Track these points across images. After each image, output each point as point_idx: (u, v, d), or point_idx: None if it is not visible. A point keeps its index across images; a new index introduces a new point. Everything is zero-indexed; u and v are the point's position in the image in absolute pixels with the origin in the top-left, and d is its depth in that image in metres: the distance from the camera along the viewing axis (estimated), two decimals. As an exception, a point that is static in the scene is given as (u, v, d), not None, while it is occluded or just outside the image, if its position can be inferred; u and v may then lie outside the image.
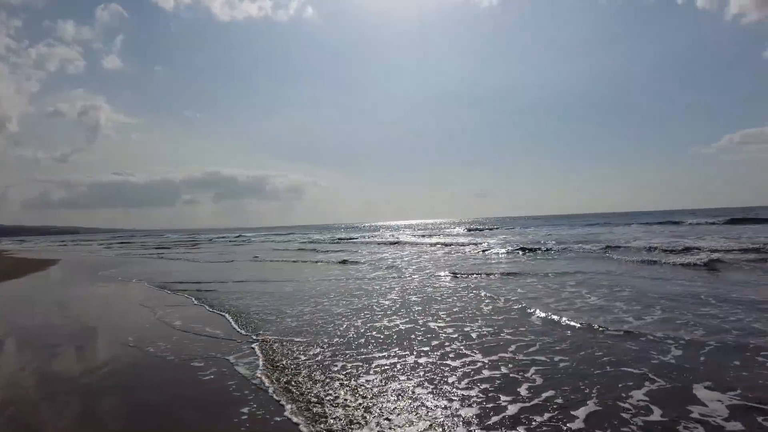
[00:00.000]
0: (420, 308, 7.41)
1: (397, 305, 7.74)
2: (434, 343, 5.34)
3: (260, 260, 20.07)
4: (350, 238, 37.95)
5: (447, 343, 5.29)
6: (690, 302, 7.04)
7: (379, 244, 29.07)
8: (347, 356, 4.93)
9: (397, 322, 6.49)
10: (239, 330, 6.37)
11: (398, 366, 4.55)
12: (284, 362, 4.80)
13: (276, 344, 5.53)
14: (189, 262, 20.56)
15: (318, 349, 5.23)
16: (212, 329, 6.50)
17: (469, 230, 46.42)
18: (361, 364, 4.67)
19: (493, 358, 4.70)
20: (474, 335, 5.61)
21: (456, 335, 5.63)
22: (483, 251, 18.55)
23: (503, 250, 18.06)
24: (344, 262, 16.76)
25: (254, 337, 5.89)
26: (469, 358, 4.71)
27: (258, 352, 5.23)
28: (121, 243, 56.19)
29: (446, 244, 23.49)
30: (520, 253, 17.01)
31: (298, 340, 5.70)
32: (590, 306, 7.11)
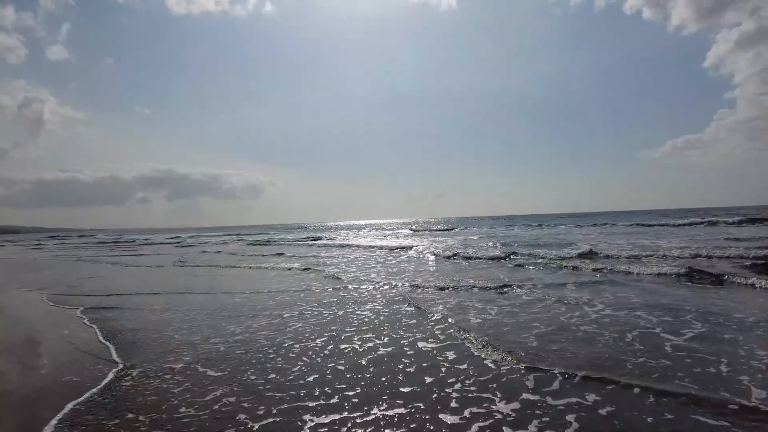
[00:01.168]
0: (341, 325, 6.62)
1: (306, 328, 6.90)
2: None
3: (187, 265, 18.63)
4: (294, 240, 36.74)
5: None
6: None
7: (327, 246, 28.15)
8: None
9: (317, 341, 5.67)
10: (117, 359, 5.34)
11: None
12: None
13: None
14: (113, 266, 18.80)
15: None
16: (83, 360, 5.40)
17: (414, 230, 46.55)
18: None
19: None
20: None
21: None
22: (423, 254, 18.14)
23: (447, 253, 17.72)
24: (291, 269, 15.73)
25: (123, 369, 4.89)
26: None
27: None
28: (60, 243, 52.51)
29: (393, 248, 22.89)
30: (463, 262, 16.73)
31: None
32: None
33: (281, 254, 22.01)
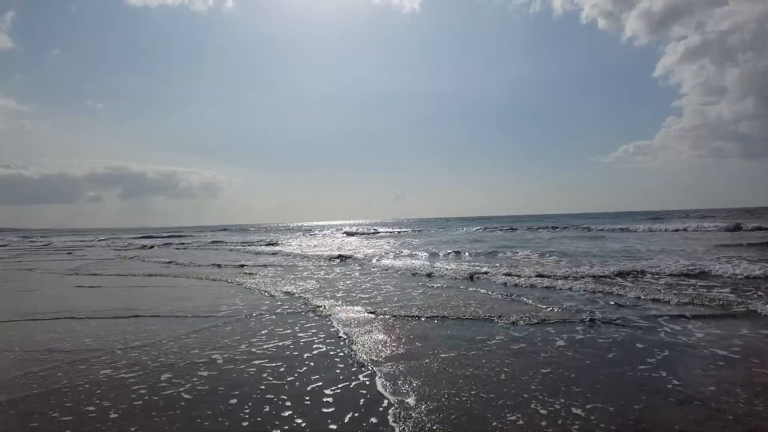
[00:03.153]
0: None
1: None
2: None
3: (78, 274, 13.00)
4: (245, 242, 30.89)
5: None
6: None
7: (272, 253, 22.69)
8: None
9: None
10: None
11: None
12: None
13: None
14: None
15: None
16: None
17: (350, 234, 41.72)
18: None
19: None
20: None
21: None
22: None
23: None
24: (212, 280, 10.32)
25: None
26: None
27: None
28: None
29: (332, 258, 17.82)
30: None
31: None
32: None
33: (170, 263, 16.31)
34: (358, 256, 15.78)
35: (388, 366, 4.03)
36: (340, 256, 15.68)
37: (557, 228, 33.23)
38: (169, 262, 16.31)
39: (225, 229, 74.70)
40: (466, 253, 15.85)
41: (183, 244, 31.19)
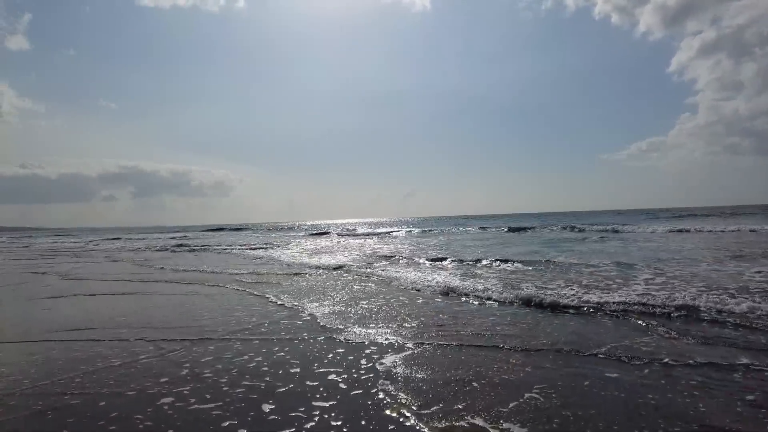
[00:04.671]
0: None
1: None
2: None
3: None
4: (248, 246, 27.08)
5: None
6: None
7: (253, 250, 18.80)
8: None
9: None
10: None
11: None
12: None
13: None
14: None
15: None
16: None
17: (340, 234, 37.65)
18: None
19: None
20: None
21: None
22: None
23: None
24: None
25: None
26: None
27: None
28: None
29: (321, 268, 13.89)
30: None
31: None
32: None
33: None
34: (376, 268, 11.70)
35: None
36: (338, 268, 11.68)
37: (581, 229, 28.68)
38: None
39: (240, 229, 71.15)
40: (511, 264, 11.64)
41: (204, 246, 26.12)
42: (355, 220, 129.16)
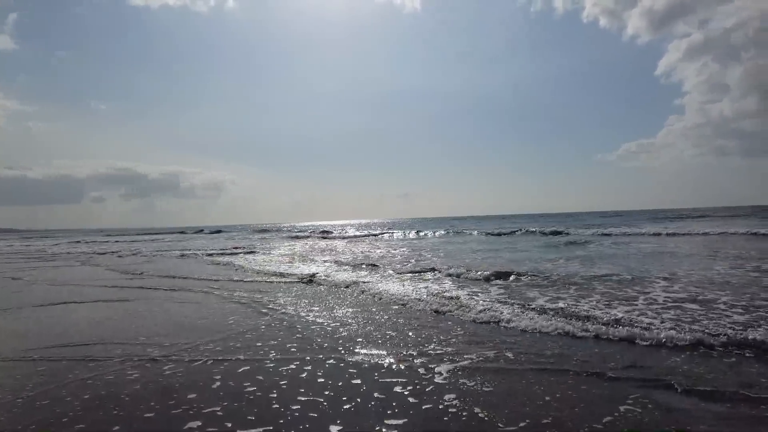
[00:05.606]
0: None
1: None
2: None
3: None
4: (221, 251, 25.75)
5: None
6: None
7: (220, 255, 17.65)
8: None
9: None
10: None
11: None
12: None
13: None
14: None
15: None
16: None
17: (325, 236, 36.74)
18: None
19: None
20: None
21: None
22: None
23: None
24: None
25: None
26: None
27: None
28: None
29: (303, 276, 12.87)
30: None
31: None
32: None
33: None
34: (363, 275, 10.72)
35: None
36: (311, 279, 10.63)
37: (566, 233, 28.04)
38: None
39: (221, 231, 69.42)
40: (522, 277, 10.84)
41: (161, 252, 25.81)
42: (355, 221, 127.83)
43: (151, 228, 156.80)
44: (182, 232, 69.27)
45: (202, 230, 76.32)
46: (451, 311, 6.48)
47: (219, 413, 3.26)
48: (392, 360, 4.37)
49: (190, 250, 23.58)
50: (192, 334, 5.58)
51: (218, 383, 3.88)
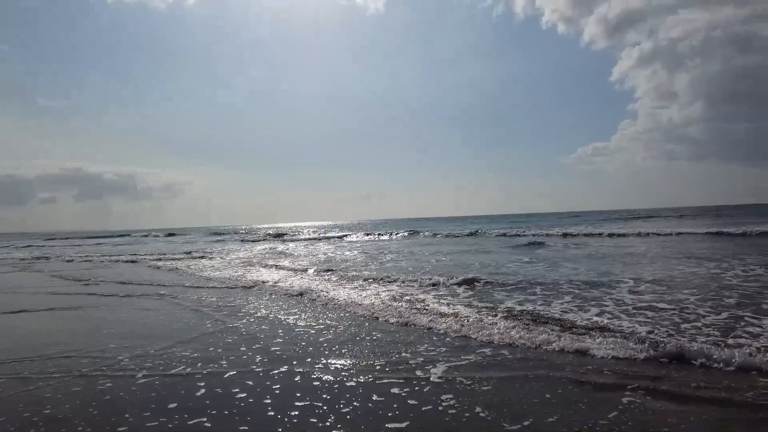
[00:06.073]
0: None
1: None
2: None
3: None
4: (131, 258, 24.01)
5: None
6: None
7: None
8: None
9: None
10: None
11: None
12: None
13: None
14: None
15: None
16: None
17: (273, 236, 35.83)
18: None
19: None
20: None
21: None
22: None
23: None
24: None
25: None
26: None
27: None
28: None
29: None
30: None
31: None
32: None
33: None
34: (308, 282, 10.01)
35: None
36: (254, 286, 9.83)
37: (536, 235, 28.43)
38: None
39: (173, 234, 65.99)
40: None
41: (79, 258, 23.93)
42: (317, 223, 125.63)
43: (104, 231, 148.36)
44: (128, 235, 65.52)
45: (156, 233, 72.50)
46: (414, 321, 5.93)
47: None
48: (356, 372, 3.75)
49: (141, 254, 22.15)
50: (160, 341, 5.22)
51: (203, 390, 3.64)
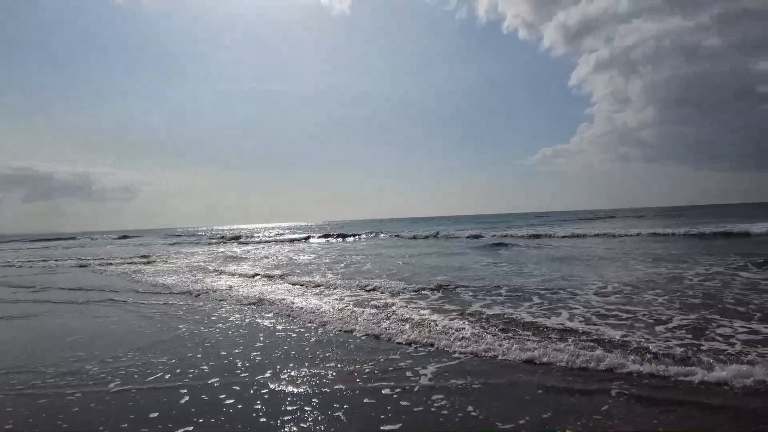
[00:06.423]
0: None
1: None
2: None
3: None
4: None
5: None
6: None
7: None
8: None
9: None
10: None
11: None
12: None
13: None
14: None
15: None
16: None
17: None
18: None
19: None
20: None
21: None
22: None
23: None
24: None
25: None
26: None
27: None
28: None
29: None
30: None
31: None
32: None
33: None
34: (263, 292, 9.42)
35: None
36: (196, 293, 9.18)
37: (504, 236, 28.67)
38: None
39: (125, 236, 62.59)
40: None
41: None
42: (278, 225, 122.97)
43: (55, 233, 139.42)
44: (77, 238, 61.71)
45: (110, 236, 68.62)
46: (381, 329, 5.51)
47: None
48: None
49: (90, 258, 20.66)
50: (128, 349, 4.93)
51: (187, 398, 3.46)
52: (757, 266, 8.90)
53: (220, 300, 8.04)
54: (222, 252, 22.47)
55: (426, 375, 3.77)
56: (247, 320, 6.24)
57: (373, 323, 5.59)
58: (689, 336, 4.55)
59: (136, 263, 17.06)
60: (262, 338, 5.21)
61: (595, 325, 5.13)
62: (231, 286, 9.44)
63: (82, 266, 16.64)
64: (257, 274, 11.43)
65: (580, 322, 5.31)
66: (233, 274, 11.95)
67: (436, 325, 5.32)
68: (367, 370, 3.94)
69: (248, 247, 26.07)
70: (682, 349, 4.04)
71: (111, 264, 16.95)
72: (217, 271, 13.04)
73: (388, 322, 5.62)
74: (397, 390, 3.46)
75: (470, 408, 3.09)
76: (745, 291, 6.69)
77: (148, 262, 17.31)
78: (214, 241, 38.08)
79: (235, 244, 32.58)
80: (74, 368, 4.28)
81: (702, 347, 4.17)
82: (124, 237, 60.90)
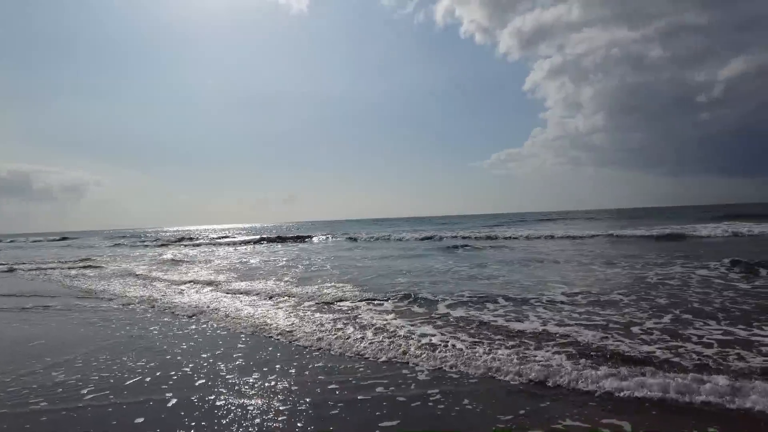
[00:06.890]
0: None
1: None
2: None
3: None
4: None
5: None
6: None
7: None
8: None
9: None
10: None
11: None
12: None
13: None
14: None
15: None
16: None
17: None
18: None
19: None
20: None
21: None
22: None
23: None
24: None
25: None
26: None
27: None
28: None
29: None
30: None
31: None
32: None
33: None
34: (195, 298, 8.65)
35: None
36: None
37: (464, 237, 28.76)
38: None
39: (64, 238, 57.98)
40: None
41: None
42: (235, 226, 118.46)
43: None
44: (12, 241, 56.61)
45: (53, 237, 63.39)
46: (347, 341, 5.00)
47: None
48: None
49: (22, 262, 18.79)
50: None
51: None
52: (711, 268, 9.14)
53: (149, 307, 7.20)
54: (175, 254, 21.03)
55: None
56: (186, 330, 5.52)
57: (336, 329, 5.06)
58: (666, 337, 4.37)
59: (76, 266, 15.55)
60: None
61: (569, 326, 4.87)
62: (175, 292, 8.55)
63: (10, 270, 14.95)
64: (193, 281, 10.50)
65: (555, 325, 5.04)
66: (164, 281, 10.95)
67: (401, 329, 4.86)
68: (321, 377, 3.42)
69: (193, 251, 24.58)
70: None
71: (40, 268, 15.32)
72: (149, 277, 11.90)
73: (350, 327, 5.11)
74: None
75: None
76: (705, 290, 6.73)
77: (85, 267, 15.80)
78: (167, 242, 35.90)
79: (182, 246, 30.77)
80: (36, 377, 3.93)
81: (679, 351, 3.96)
82: (65, 239, 56.50)
